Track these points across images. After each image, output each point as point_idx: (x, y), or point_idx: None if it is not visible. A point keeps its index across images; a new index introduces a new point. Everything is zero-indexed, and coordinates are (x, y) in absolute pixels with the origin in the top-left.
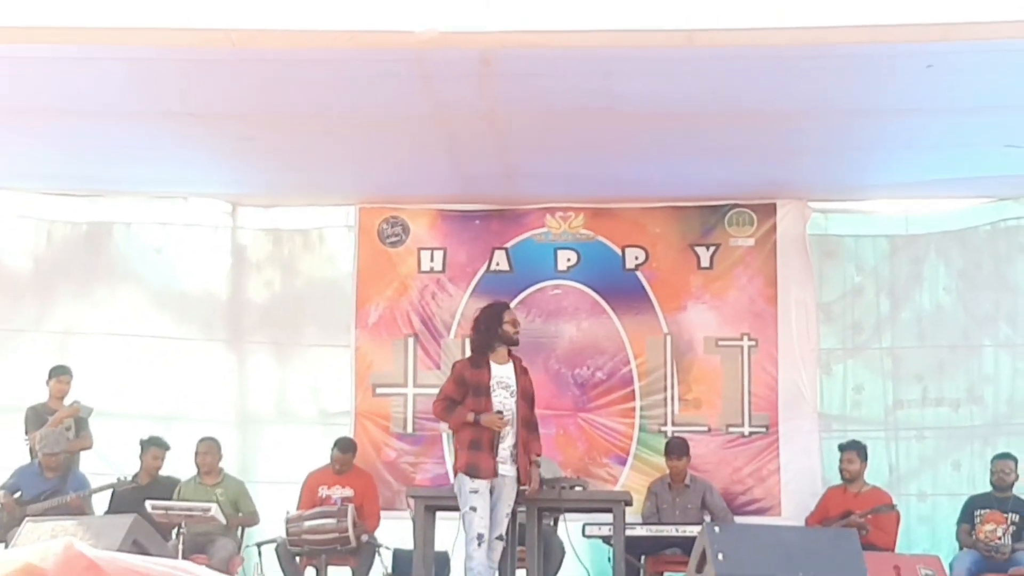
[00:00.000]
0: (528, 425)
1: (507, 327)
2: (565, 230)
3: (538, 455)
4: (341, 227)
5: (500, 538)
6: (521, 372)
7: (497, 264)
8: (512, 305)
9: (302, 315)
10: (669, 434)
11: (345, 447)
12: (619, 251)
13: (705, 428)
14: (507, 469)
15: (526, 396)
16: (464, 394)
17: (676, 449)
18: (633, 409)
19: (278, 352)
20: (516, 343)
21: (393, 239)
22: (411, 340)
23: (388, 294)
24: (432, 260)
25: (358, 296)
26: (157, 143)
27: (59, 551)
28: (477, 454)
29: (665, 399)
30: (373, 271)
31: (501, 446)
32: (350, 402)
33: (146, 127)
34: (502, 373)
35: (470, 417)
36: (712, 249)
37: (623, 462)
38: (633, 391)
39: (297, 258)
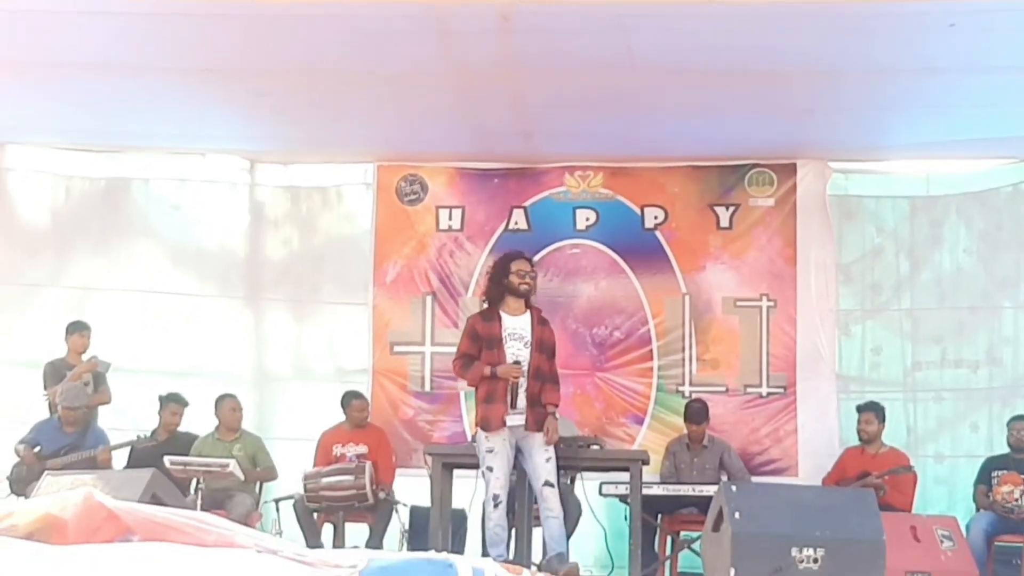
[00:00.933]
0: (543, 376)
1: (513, 278)
2: (584, 189)
3: (555, 406)
4: (359, 184)
5: (549, 484)
6: (539, 323)
7: (516, 223)
8: (531, 257)
9: (320, 273)
10: (687, 394)
11: (355, 404)
12: (638, 210)
13: (723, 388)
14: (520, 420)
15: (543, 347)
16: (479, 348)
17: (696, 415)
18: (651, 369)
19: (295, 309)
20: (522, 295)
21: (411, 197)
22: (429, 298)
23: (406, 252)
24: (450, 218)
25: (376, 254)
26: (175, 99)
27: (79, 501)
28: (489, 407)
29: (683, 359)
30: (391, 229)
31: (520, 397)
32: (368, 360)
33: (164, 82)
34: (515, 324)
35: (486, 371)
36: (732, 209)
37: (640, 422)
38: (651, 351)
39: (315, 215)
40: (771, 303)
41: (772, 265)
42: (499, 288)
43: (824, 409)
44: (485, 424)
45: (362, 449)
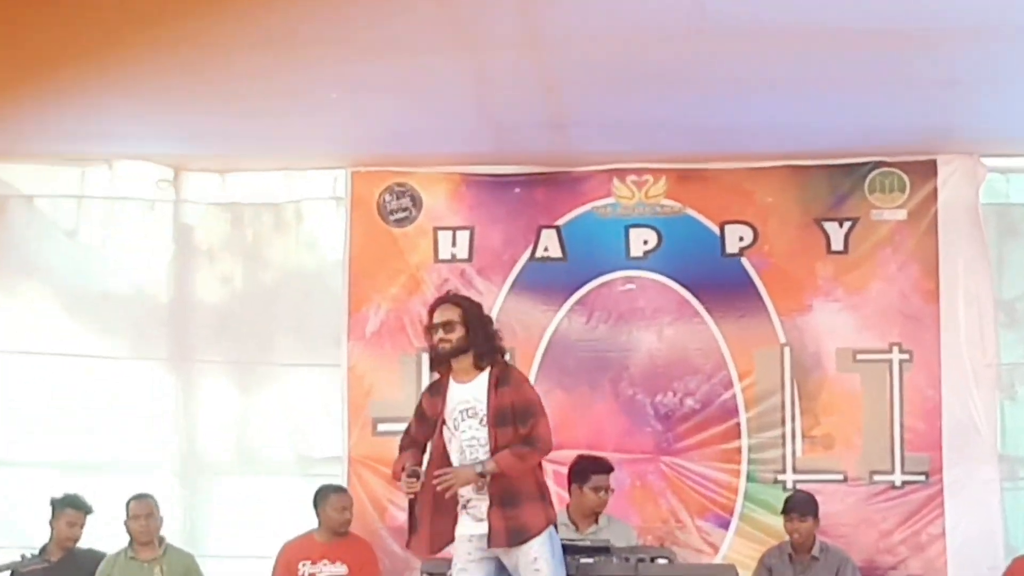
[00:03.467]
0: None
1: (430, 337)
2: (640, 200)
3: (495, 464)
4: (327, 199)
5: None
6: (495, 384)
7: (545, 249)
8: (566, 305)
9: (273, 322)
10: (789, 485)
11: (335, 500)
12: (716, 229)
13: (840, 476)
14: (482, 530)
15: (503, 417)
16: (425, 431)
17: (799, 507)
18: (738, 451)
19: (240, 375)
20: (439, 358)
21: (399, 215)
22: (425, 356)
23: (393, 292)
24: (454, 244)
25: (351, 296)
26: (66, 82)
27: None
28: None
29: (783, 436)
30: (372, 260)
31: (468, 502)
32: (341, 444)
33: (49, 59)
34: (463, 394)
35: (400, 468)
36: (847, 225)
37: (725, 524)
38: (737, 425)
39: (265, 243)
40: (905, 356)
41: (905, 303)
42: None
43: (983, 503)
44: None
45: (340, 570)
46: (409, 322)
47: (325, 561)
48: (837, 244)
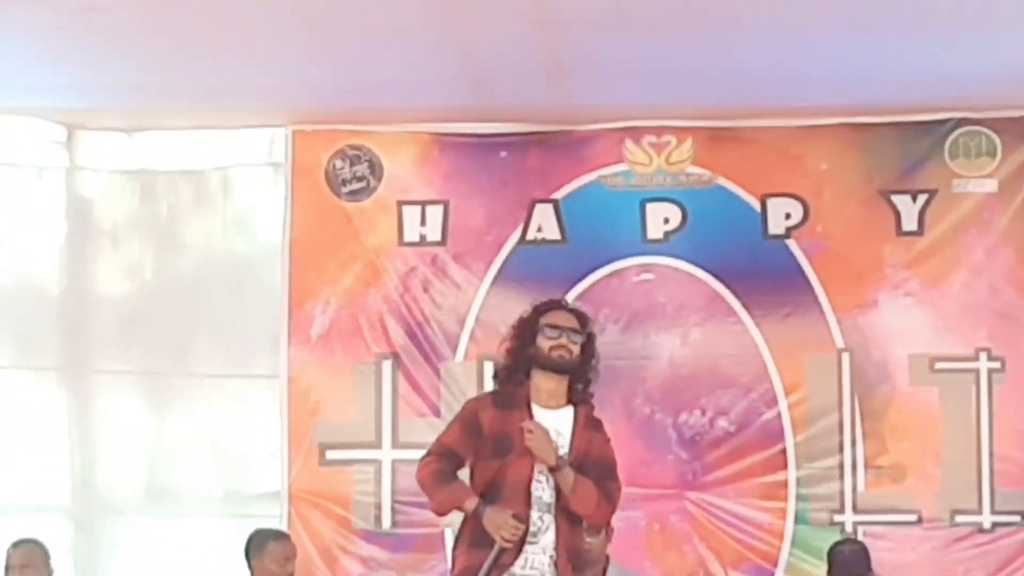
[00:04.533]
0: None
1: (541, 340)
2: (659, 168)
3: (598, 528)
4: (261, 166)
5: None
6: (585, 426)
7: (539, 229)
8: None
9: (193, 323)
10: (849, 529)
11: (274, 549)
12: (756, 204)
13: (913, 517)
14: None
15: (587, 467)
16: (474, 451)
17: (850, 567)
18: (783, 485)
19: (151, 389)
20: (557, 367)
21: (354, 186)
22: (387, 364)
23: (346, 284)
24: (424, 223)
25: (292, 288)
26: None
27: None
28: (474, 555)
29: (840, 466)
30: (319, 244)
31: (531, 550)
32: (280, 476)
33: None
34: (549, 422)
35: (468, 505)
36: (922, 199)
37: (769, 574)
38: (783, 453)
39: (183, 222)
40: (995, 364)
41: (996, 298)
42: (522, 358)
43: None
44: None
45: None
46: (366, 322)
47: None
48: (909, 223)
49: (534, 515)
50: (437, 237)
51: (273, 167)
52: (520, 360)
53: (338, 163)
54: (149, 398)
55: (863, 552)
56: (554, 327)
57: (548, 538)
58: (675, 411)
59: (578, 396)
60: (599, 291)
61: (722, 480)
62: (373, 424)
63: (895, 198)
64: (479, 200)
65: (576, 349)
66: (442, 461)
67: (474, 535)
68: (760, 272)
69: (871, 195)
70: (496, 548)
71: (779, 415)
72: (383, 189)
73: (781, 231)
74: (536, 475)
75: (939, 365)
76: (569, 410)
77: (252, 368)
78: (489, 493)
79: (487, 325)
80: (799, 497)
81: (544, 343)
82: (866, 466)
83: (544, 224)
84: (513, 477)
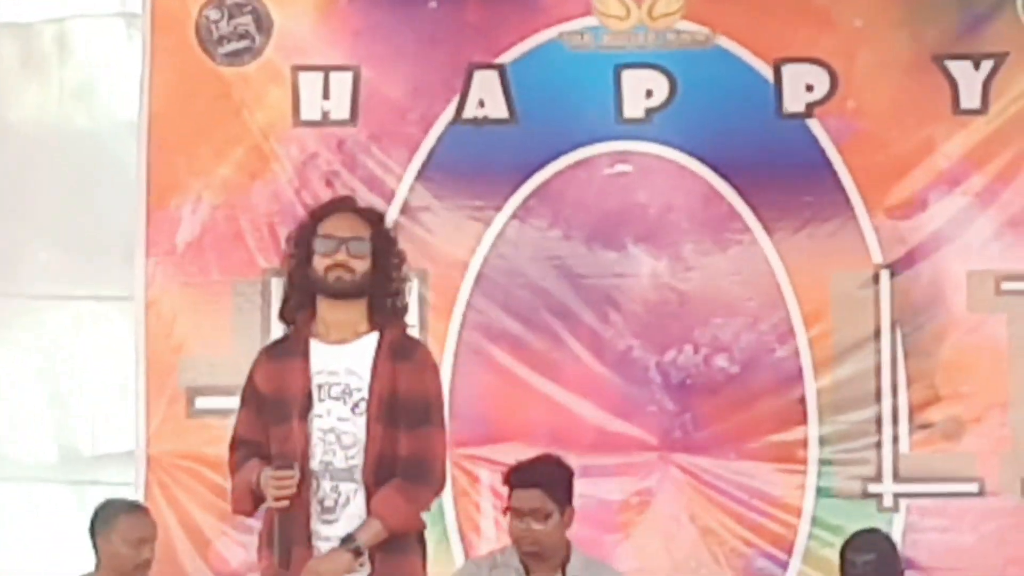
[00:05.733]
0: (393, 468)
1: (316, 257)
2: (640, 22)
3: (379, 519)
4: (110, 17)
5: None
6: (388, 355)
7: (480, 103)
8: (514, 199)
9: (20, 227)
10: (888, 503)
11: (125, 526)
12: (768, 72)
13: (974, 487)
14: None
15: (396, 408)
16: (265, 424)
17: (869, 546)
18: (803, 444)
19: None
20: (333, 290)
21: (234, 45)
22: (278, 282)
23: (224, 175)
24: (327, 96)
25: (152, 181)
26: None
27: None
28: (278, 553)
29: (878, 420)
30: (188, 122)
31: (325, 532)
32: (135, 432)
33: None
34: (338, 362)
35: (252, 479)
36: (987, 67)
37: (781, 565)
38: (802, 402)
39: (8, 91)
40: None
41: None
42: (297, 284)
43: None
44: None
45: None
46: (250, 227)
47: None
48: (970, 99)
49: (326, 485)
50: (345, 115)
51: (126, 19)
52: (297, 287)
53: (212, 14)
54: None
55: (890, 558)
56: (328, 238)
57: (352, 513)
58: (659, 347)
59: (382, 317)
60: (559, 187)
61: (720, 438)
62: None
63: (951, 65)
64: (401, 66)
65: (361, 264)
66: (237, 453)
67: (270, 527)
68: (773, 163)
69: (920, 61)
70: (278, 516)
71: (796, 352)
72: (272, 50)
73: (801, 108)
74: (322, 435)
75: (1007, 285)
76: (372, 339)
77: (98, 287)
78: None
79: (410, 234)
80: (823, 461)
81: (319, 263)
82: (911, 420)
83: (487, 98)
84: (291, 446)
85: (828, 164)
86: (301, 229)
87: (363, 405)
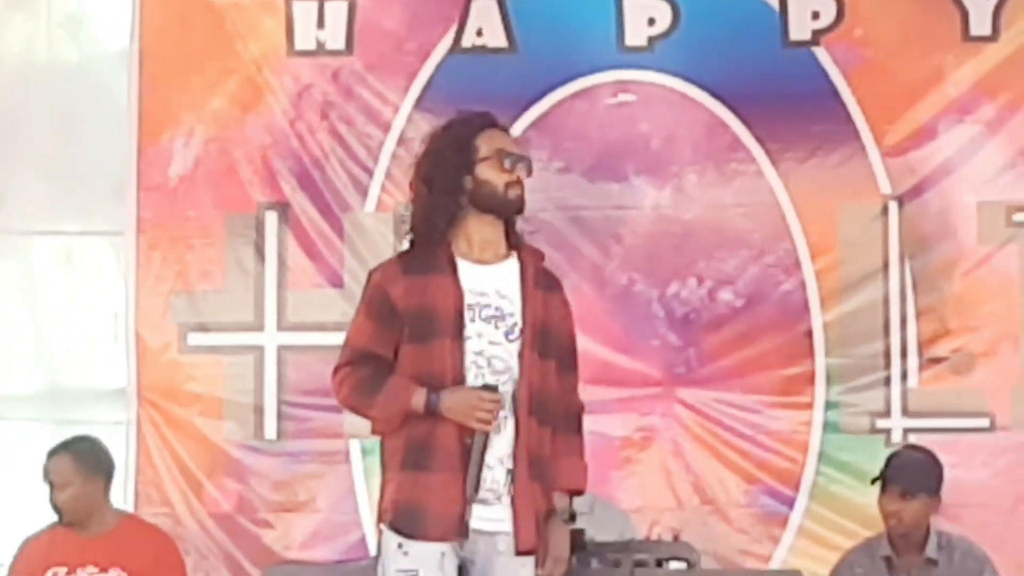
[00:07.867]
0: (549, 412)
1: (485, 170)
2: None
3: (572, 492)
4: None
5: None
6: (537, 283)
7: (479, 31)
8: (514, 130)
9: (7, 160)
10: (897, 438)
11: (47, 465)
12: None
13: (985, 422)
14: (495, 518)
15: (549, 340)
16: (395, 341)
17: (905, 475)
18: (809, 379)
19: None
20: (507, 209)
21: None
22: (272, 217)
23: (216, 108)
24: (322, 25)
25: (143, 114)
26: None
27: None
28: (417, 482)
29: (886, 354)
30: (180, 52)
31: (484, 464)
32: (125, 368)
33: None
34: (487, 283)
35: (415, 400)
36: None
37: (787, 503)
38: (808, 335)
39: None
40: None
41: None
42: (450, 196)
43: None
44: (408, 522)
45: None
46: (244, 160)
47: (91, 568)
48: (980, 25)
49: None
50: (340, 44)
51: None
52: (449, 201)
53: None
54: None
55: (930, 462)
56: (510, 155)
57: (502, 444)
58: (662, 280)
59: (516, 239)
60: (559, 117)
61: (725, 373)
62: (252, 298)
63: None
64: None
65: (522, 182)
66: (357, 366)
67: (410, 452)
68: (778, 92)
69: None
70: (478, 439)
71: (803, 285)
72: None
73: (807, 36)
74: (475, 358)
75: (1018, 216)
76: (513, 262)
77: (88, 222)
78: (429, 380)
79: (407, 164)
80: (830, 396)
81: (497, 177)
82: (920, 354)
83: (485, 26)
84: (440, 366)
85: (835, 93)
86: (456, 140)
87: (516, 331)
